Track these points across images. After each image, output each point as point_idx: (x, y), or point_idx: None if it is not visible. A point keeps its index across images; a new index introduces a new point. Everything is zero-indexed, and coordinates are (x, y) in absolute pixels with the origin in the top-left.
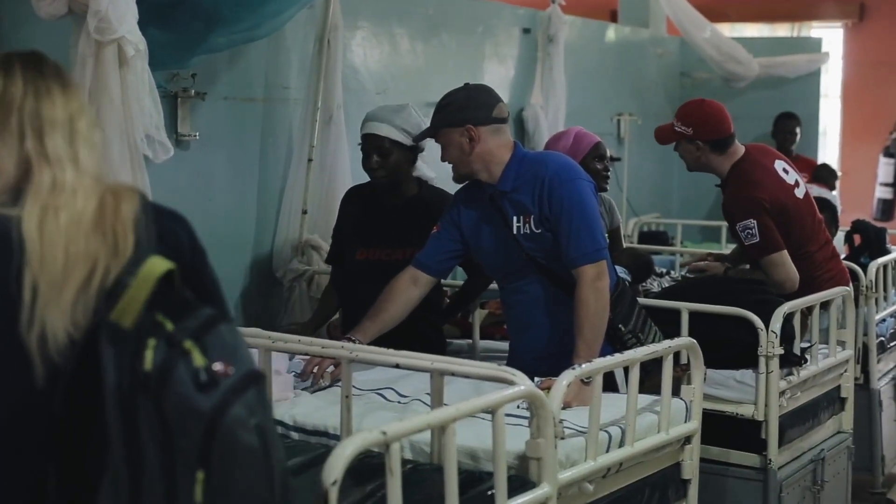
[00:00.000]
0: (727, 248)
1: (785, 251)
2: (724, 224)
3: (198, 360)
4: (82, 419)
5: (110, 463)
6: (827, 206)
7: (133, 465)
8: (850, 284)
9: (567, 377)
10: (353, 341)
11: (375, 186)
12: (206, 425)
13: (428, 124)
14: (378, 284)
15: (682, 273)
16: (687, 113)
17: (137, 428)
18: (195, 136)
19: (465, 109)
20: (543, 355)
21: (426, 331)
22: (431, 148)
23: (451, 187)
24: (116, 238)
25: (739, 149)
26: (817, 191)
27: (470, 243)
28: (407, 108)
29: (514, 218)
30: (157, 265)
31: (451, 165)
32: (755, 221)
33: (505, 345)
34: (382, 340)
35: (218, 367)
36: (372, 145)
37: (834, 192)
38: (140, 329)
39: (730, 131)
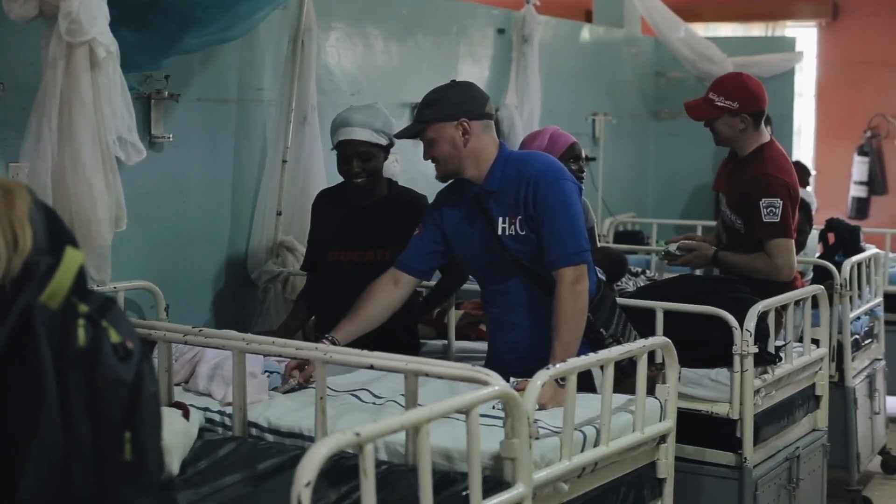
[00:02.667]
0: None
1: (793, 240)
2: (699, 223)
3: (114, 336)
4: (11, 388)
5: (42, 430)
6: (802, 205)
7: (67, 431)
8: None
9: (541, 377)
10: (332, 341)
11: (346, 188)
12: (132, 392)
13: (394, 120)
14: (350, 286)
15: (670, 248)
16: (731, 87)
17: (69, 397)
18: (169, 137)
19: (459, 104)
20: (526, 356)
21: (399, 331)
22: (403, 145)
23: (421, 186)
24: (15, 233)
25: (766, 131)
26: None
27: (452, 244)
28: (376, 107)
29: (500, 219)
30: (76, 256)
31: (433, 164)
32: (781, 202)
33: (480, 345)
34: (355, 342)
35: (128, 343)
36: (352, 151)
37: (808, 189)
38: (66, 311)
39: (767, 103)
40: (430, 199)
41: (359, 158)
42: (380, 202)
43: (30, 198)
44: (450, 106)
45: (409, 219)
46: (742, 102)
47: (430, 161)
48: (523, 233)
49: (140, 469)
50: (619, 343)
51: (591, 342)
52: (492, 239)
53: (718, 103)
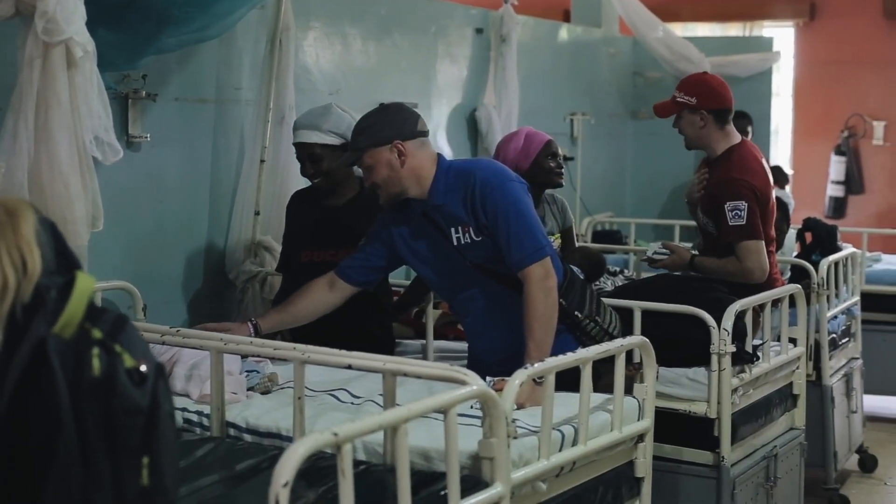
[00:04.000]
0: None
1: (762, 241)
2: (677, 222)
3: (128, 361)
4: (27, 419)
5: (60, 461)
6: (779, 205)
7: (86, 461)
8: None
9: (519, 377)
10: (255, 325)
11: (317, 189)
12: (148, 418)
13: (354, 119)
14: None
15: (648, 252)
16: (690, 83)
17: (86, 427)
18: (146, 137)
19: (390, 127)
20: (504, 357)
21: (374, 330)
22: None
23: None
24: (23, 256)
25: (735, 133)
26: None
27: (409, 262)
28: (331, 108)
29: (453, 230)
30: (88, 283)
31: (376, 190)
32: (746, 204)
33: (459, 345)
34: (329, 340)
35: (142, 366)
36: (303, 154)
37: (786, 190)
38: (79, 340)
39: (731, 103)
40: None
41: (309, 161)
42: (351, 202)
43: (34, 217)
44: (381, 130)
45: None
46: (701, 98)
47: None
48: (479, 239)
49: (158, 492)
50: (597, 323)
51: (569, 327)
52: (448, 250)
53: (679, 99)
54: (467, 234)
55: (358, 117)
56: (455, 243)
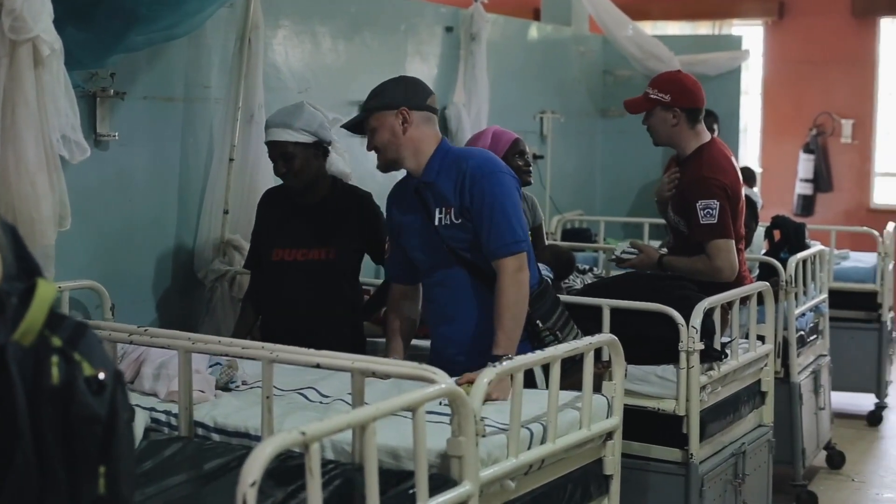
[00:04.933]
0: (649, 244)
1: (733, 241)
2: (647, 221)
3: (87, 370)
4: None
5: (16, 469)
6: (747, 203)
7: (42, 470)
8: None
9: (488, 375)
10: None
11: (290, 188)
12: (106, 427)
13: (326, 117)
14: (294, 284)
15: (616, 252)
16: (665, 80)
17: (44, 436)
18: (114, 136)
19: (401, 94)
20: (467, 348)
21: (345, 329)
22: (351, 144)
23: (368, 185)
24: None
25: (706, 132)
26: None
27: (400, 235)
28: (302, 106)
29: (437, 210)
30: (49, 290)
31: (375, 155)
32: (718, 203)
33: (428, 343)
34: (302, 340)
35: (101, 374)
36: (276, 152)
37: (755, 190)
38: (39, 347)
39: (704, 102)
40: (376, 198)
41: (282, 159)
42: (324, 200)
43: None
44: (391, 96)
45: (352, 216)
46: (674, 96)
47: (372, 152)
48: (458, 221)
49: (115, 500)
50: (556, 338)
51: (529, 334)
52: (430, 229)
53: (652, 96)
54: (448, 216)
55: (330, 115)
56: (436, 223)
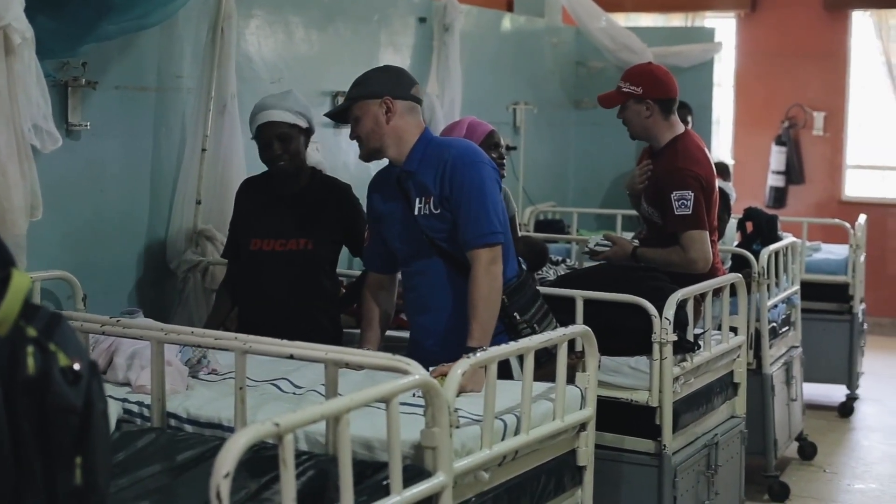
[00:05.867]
0: (622, 235)
1: (707, 231)
2: (620, 212)
3: (63, 360)
4: None
5: None
6: (721, 194)
7: (19, 460)
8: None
9: (462, 366)
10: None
11: (272, 176)
12: (82, 418)
13: (310, 108)
14: (272, 274)
15: (589, 244)
16: (636, 73)
17: (20, 426)
18: (86, 125)
19: (384, 83)
20: (444, 339)
21: (323, 320)
22: (322, 134)
23: (343, 174)
24: None
25: (680, 123)
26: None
27: (380, 225)
28: (292, 93)
29: (417, 199)
30: (24, 280)
31: (358, 144)
32: (692, 194)
33: (402, 334)
34: (278, 331)
35: (76, 365)
36: (272, 133)
37: (729, 183)
38: (14, 338)
39: (677, 92)
40: (355, 189)
41: (279, 140)
42: (303, 191)
43: None
44: (375, 85)
45: (331, 207)
46: (646, 88)
47: (354, 140)
48: (437, 211)
49: (91, 491)
50: (534, 330)
51: (506, 326)
52: (410, 218)
53: (624, 89)
54: (428, 206)
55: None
56: (416, 212)
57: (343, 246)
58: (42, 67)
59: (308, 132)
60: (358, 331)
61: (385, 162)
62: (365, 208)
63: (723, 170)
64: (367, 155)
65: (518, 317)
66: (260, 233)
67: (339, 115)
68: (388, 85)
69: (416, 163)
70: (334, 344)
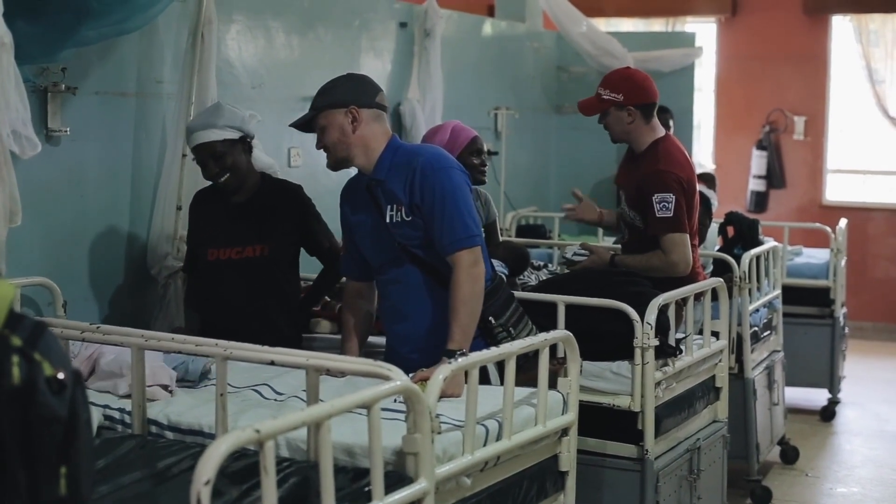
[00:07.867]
0: (603, 241)
1: (688, 235)
2: None
3: (48, 370)
4: None
5: None
6: (702, 199)
7: (3, 467)
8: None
9: (444, 371)
10: None
11: (221, 188)
12: (66, 427)
13: (245, 115)
14: (231, 283)
15: (566, 254)
16: (616, 80)
17: (4, 436)
18: (66, 131)
19: (349, 92)
20: (422, 347)
21: (282, 326)
22: (303, 139)
23: (325, 179)
24: None
25: (660, 126)
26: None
27: (353, 234)
28: (220, 106)
29: (388, 207)
30: (8, 290)
31: (325, 153)
32: (674, 197)
33: (382, 340)
34: (237, 337)
35: (60, 374)
36: (205, 155)
37: (713, 192)
38: None
39: (657, 96)
40: (331, 194)
41: (213, 159)
42: (253, 197)
43: None
44: (340, 94)
45: (284, 210)
46: (627, 94)
47: (322, 150)
48: (409, 218)
49: (75, 501)
50: (509, 334)
51: (482, 331)
52: (381, 226)
53: (605, 96)
54: (399, 213)
55: (246, 113)
56: (388, 220)
57: (301, 247)
58: (21, 73)
59: (244, 140)
60: (334, 336)
61: (354, 171)
62: (340, 217)
63: (709, 180)
64: (335, 164)
65: (493, 321)
66: (216, 243)
67: (304, 125)
68: (353, 93)
69: (384, 171)
70: (291, 347)
